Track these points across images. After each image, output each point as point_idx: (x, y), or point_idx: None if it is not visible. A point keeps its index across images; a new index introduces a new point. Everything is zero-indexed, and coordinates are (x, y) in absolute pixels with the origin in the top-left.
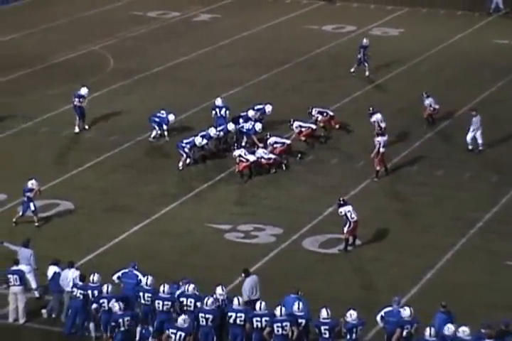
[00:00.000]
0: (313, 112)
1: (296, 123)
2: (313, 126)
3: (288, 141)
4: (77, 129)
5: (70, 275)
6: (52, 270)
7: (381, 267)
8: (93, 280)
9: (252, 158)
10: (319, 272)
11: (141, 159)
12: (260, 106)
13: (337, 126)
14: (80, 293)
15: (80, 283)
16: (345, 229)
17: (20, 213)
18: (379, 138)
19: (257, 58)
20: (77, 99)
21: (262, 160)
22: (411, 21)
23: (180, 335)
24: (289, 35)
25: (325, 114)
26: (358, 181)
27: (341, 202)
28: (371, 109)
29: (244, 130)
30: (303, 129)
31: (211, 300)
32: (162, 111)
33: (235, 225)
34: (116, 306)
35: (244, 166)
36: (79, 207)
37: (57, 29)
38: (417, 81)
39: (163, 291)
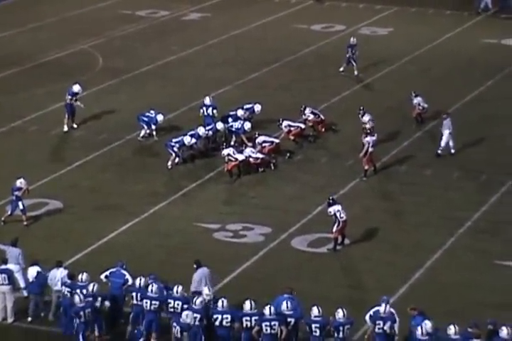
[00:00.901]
0: (307, 111)
1: (285, 123)
2: (302, 126)
3: (277, 140)
4: (66, 128)
5: (58, 275)
6: (33, 270)
7: (370, 266)
8: (81, 279)
9: (240, 157)
10: (308, 271)
11: (130, 158)
12: (249, 106)
13: (323, 130)
14: (68, 291)
15: (69, 281)
16: (335, 229)
17: (9, 212)
18: (368, 138)
19: (247, 57)
20: (69, 97)
21: (250, 159)
22: (400, 21)
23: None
24: (278, 34)
25: (317, 116)
26: (346, 180)
27: (330, 201)
28: (362, 108)
29: (234, 129)
30: (292, 128)
31: (200, 299)
32: (151, 111)
33: (223, 224)
34: (76, 298)
35: (233, 165)
36: (68, 206)
37: (47, 28)
38: (405, 80)
39: (152, 291)
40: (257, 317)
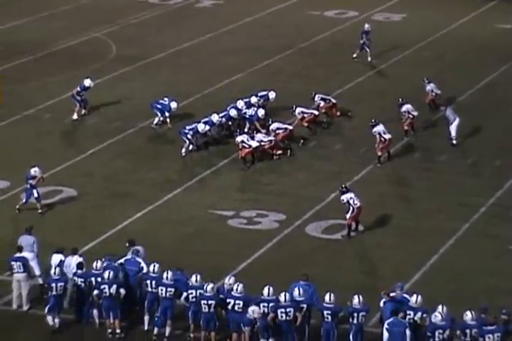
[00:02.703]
0: (316, 98)
1: (298, 109)
2: (316, 112)
3: (290, 127)
4: (75, 116)
5: (73, 263)
6: (56, 258)
7: (384, 253)
8: (96, 266)
9: (254, 144)
10: (322, 258)
11: (143, 146)
12: (264, 93)
13: (338, 114)
14: (81, 282)
15: (79, 271)
16: (348, 215)
17: (24, 200)
18: (375, 129)
19: (259, 44)
20: (78, 90)
21: (262, 143)
22: (413, 6)
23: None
24: (291, 20)
25: (327, 101)
26: (360, 167)
27: (343, 189)
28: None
29: (247, 116)
30: (305, 115)
31: (210, 285)
32: (165, 98)
33: (237, 211)
34: (52, 271)
35: (247, 152)
36: (82, 193)
37: (59, 16)
38: (419, 66)
39: (167, 278)
40: (273, 304)
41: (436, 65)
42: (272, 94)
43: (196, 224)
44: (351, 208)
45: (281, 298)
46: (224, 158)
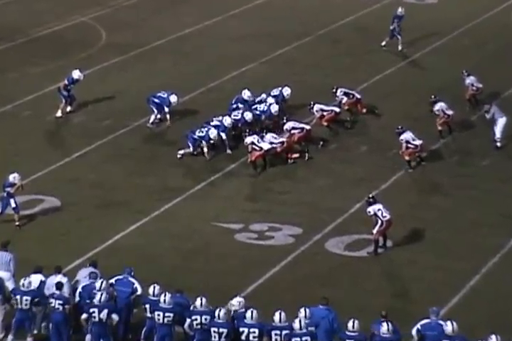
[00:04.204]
0: (338, 93)
1: (317, 107)
2: (337, 110)
3: (307, 127)
4: (59, 113)
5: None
6: (36, 279)
7: (416, 272)
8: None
9: (266, 146)
10: (344, 278)
11: (138, 147)
12: (277, 92)
13: (364, 111)
14: (59, 304)
15: (58, 292)
16: (376, 229)
17: None
18: (402, 137)
19: (273, 30)
20: (66, 84)
21: (274, 145)
22: None
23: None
24: (309, 3)
25: (351, 96)
26: (389, 172)
27: (370, 199)
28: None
29: (258, 112)
30: (325, 113)
31: (223, 311)
32: (163, 92)
33: (246, 224)
34: (21, 282)
35: (258, 155)
36: (66, 203)
37: None
38: (457, 56)
39: (164, 301)
40: (287, 331)
41: (477, 55)
42: (286, 91)
43: (199, 239)
44: (379, 221)
45: (296, 325)
46: (231, 162)
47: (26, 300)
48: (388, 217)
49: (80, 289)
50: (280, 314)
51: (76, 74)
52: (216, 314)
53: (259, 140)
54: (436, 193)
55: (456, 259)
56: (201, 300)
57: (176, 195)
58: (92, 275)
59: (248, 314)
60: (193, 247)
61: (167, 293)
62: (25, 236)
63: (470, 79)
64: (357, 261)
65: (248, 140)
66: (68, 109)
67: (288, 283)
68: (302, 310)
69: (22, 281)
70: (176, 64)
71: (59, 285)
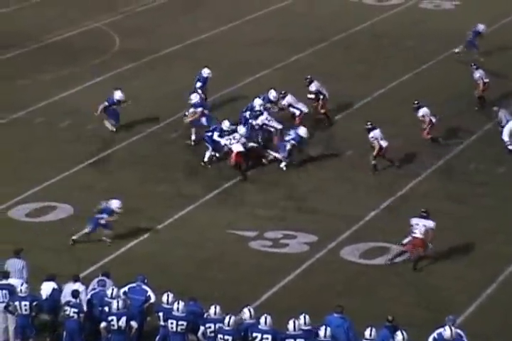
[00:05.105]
0: (311, 88)
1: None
2: (305, 110)
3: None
4: (111, 127)
5: None
6: (48, 286)
7: (433, 280)
8: (112, 294)
9: (237, 147)
10: (360, 287)
11: (151, 154)
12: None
13: (322, 111)
14: (74, 312)
15: (73, 300)
16: (405, 241)
17: (88, 230)
18: (372, 134)
19: (288, 36)
20: (106, 104)
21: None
22: None
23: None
24: (325, 8)
25: (322, 97)
26: (405, 179)
27: (424, 213)
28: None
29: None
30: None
31: (233, 318)
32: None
33: (261, 232)
34: (19, 288)
35: (235, 158)
36: (79, 210)
37: (53, 2)
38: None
39: (178, 309)
40: (303, 340)
41: (497, 61)
42: (271, 93)
43: (213, 247)
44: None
45: (321, 332)
46: (246, 168)
47: (25, 305)
48: (420, 236)
49: (88, 296)
50: (294, 323)
51: (118, 94)
52: (226, 321)
53: (233, 141)
54: (452, 201)
55: (472, 268)
56: (215, 308)
57: (190, 202)
58: (100, 283)
59: (262, 320)
60: (206, 255)
61: (180, 301)
62: (38, 243)
63: (480, 73)
64: (372, 269)
65: (222, 141)
66: (111, 127)
67: (302, 292)
68: (302, 316)
69: (19, 287)
70: (190, 70)
71: (75, 293)
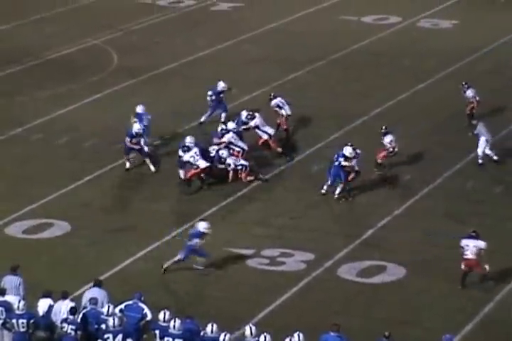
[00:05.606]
0: (273, 104)
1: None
2: (271, 132)
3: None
4: (128, 165)
5: (63, 308)
6: (45, 303)
7: (430, 299)
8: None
9: (202, 163)
10: (357, 305)
11: (149, 172)
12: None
13: (284, 127)
14: (72, 329)
15: (71, 317)
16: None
17: (179, 257)
18: (387, 138)
19: (286, 54)
20: (128, 140)
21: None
22: (466, 10)
23: None
24: (322, 27)
25: (283, 114)
26: (402, 198)
27: (473, 233)
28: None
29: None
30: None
31: (228, 336)
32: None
33: (258, 250)
34: (16, 304)
35: (193, 173)
36: (76, 227)
37: (53, 20)
38: (473, 82)
39: (174, 327)
40: None
41: (495, 81)
42: (242, 115)
43: (209, 264)
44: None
45: None
46: (243, 187)
47: (22, 323)
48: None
49: (81, 315)
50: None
51: (136, 127)
52: (221, 339)
53: (196, 158)
54: (449, 220)
55: (470, 287)
56: (212, 326)
57: (188, 219)
58: (92, 301)
59: (262, 338)
60: (204, 273)
61: (177, 319)
62: (35, 260)
63: (472, 92)
64: (369, 288)
65: (185, 157)
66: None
67: (299, 310)
68: (296, 334)
69: (16, 304)
70: (187, 88)
71: (73, 311)
